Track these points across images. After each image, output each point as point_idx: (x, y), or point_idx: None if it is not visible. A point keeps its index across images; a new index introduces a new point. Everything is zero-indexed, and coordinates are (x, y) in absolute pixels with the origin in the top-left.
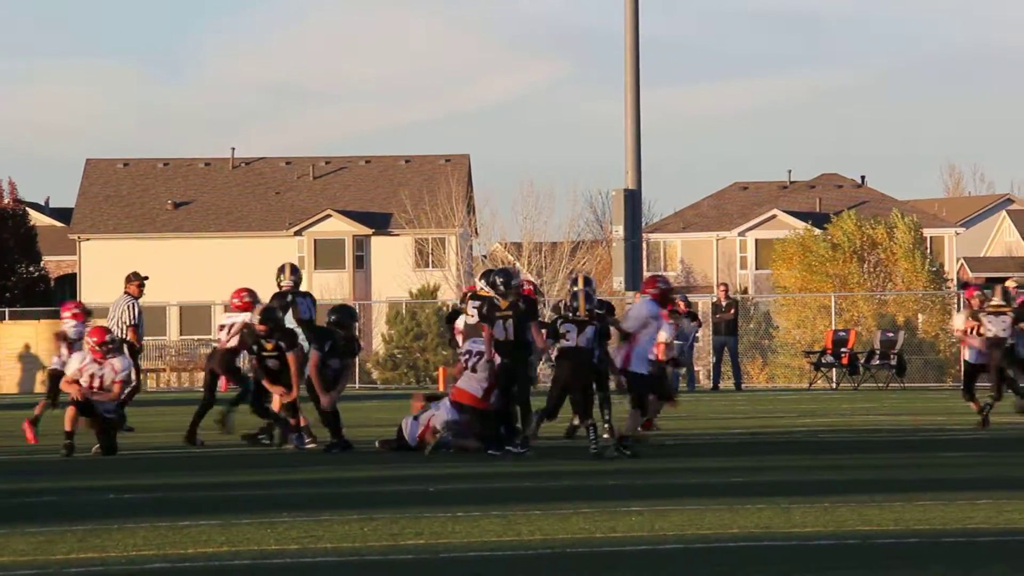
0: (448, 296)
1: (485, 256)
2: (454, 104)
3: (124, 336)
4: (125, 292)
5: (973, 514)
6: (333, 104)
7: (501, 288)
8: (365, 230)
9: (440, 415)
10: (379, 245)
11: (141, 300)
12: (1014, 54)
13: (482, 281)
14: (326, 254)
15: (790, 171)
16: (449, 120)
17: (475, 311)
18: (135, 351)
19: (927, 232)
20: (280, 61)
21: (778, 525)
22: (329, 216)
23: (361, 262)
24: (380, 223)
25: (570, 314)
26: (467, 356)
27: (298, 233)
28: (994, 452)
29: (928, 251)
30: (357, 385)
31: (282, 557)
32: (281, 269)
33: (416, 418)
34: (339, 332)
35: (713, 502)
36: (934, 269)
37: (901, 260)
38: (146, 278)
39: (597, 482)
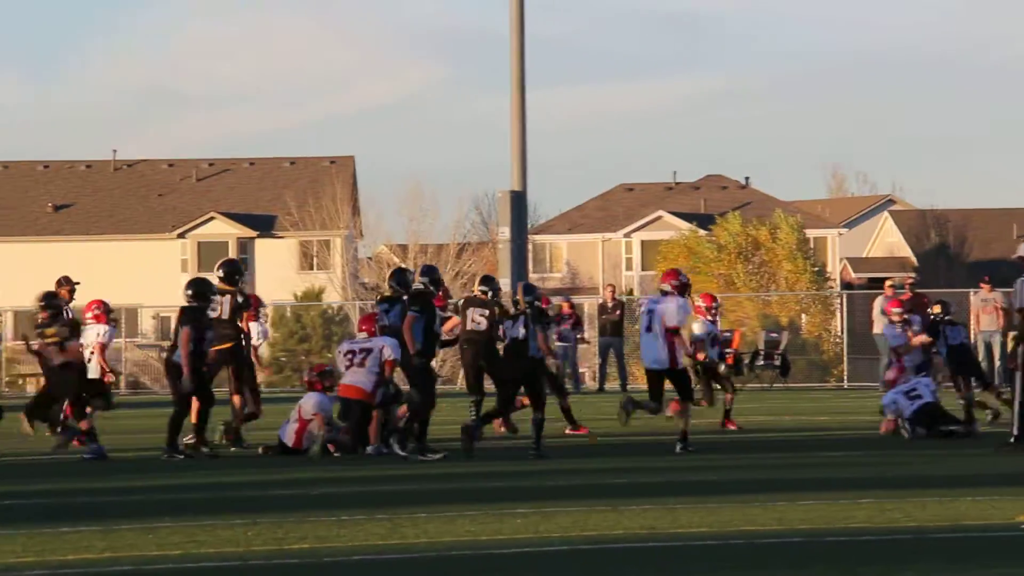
0: (333, 298)
1: (370, 258)
2: (339, 106)
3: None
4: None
5: (855, 513)
6: (216, 106)
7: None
8: (249, 232)
9: (308, 408)
10: (263, 247)
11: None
12: (896, 57)
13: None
14: (210, 257)
15: (675, 172)
16: (334, 122)
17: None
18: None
19: (810, 233)
20: (163, 63)
21: (663, 526)
22: (213, 218)
23: (245, 264)
24: (264, 225)
25: (511, 310)
26: (351, 355)
27: (181, 236)
28: (875, 451)
29: (811, 252)
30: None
31: (164, 563)
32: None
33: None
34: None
35: (598, 503)
36: (817, 269)
37: (785, 261)
38: (77, 283)
39: (483, 484)
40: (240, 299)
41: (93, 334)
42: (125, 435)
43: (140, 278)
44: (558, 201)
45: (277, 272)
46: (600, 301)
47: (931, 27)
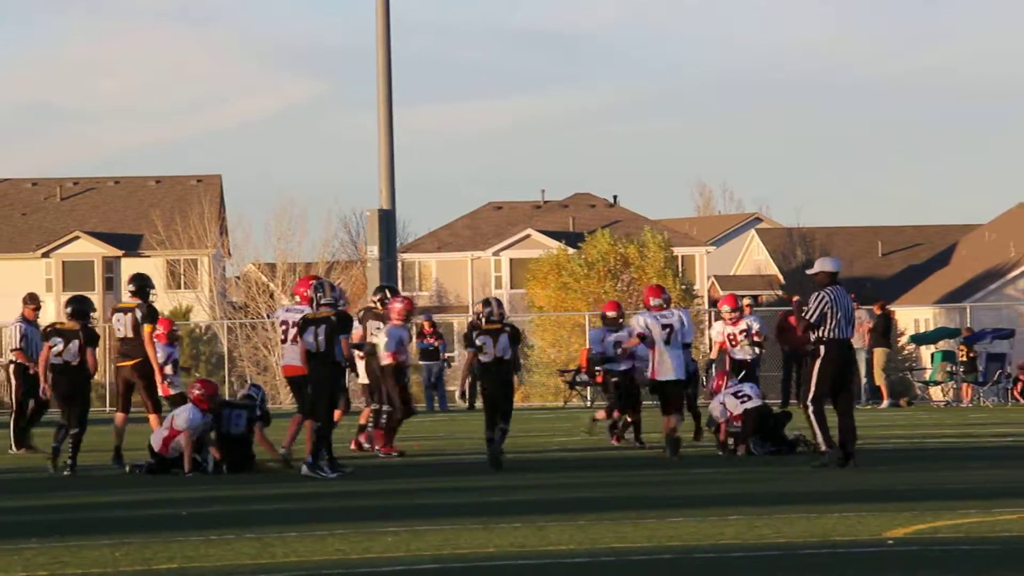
0: (201, 317)
1: (238, 277)
2: (206, 124)
3: (11, 360)
4: (21, 314)
5: (724, 530)
6: (81, 125)
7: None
8: (115, 251)
9: (178, 422)
10: (130, 267)
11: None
12: (762, 76)
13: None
14: (75, 276)
15: (543, 191)
16: (200, 140)
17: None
18: (25, 373)
19: (678, 251)
20: (25, 81)
21: (533, 543)
22: (78, 238)
23: (111, 283)
24: (130, 244)
25: (482, 323)
26: (285, 327)
27: (46, 255)
28: (743, 468)
29: (679, 269)
30: (107, 408)
31: None
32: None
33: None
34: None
35: (469, 521)
36: (684, 287)
37: (653, 279)
38: (42, 302)
39: (354, 503)
40: (140, 314)
41: None
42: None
43: (3, 297)
44: (427, 220)
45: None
46: (470, 319)
47: (796, 46)
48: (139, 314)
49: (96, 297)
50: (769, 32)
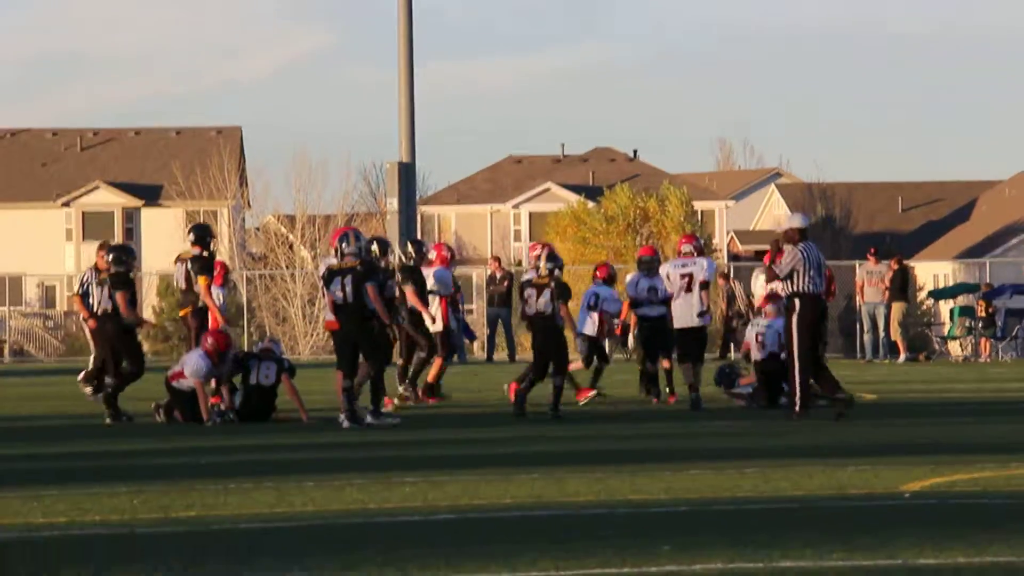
0: None
1: (258, 229)
2: (226, 76)
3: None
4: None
5: (741, 482)
6: (102, 76)
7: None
8: (135, 202)
9: (187, 370)
10: (149, 217)
11: None
12: (786, 31)
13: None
14: (95, 226)
15: (563, 145)
16: (221, 92)
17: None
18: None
19: (698, 205)
20: (47, 32)
21: (551, 494)
22: (98, 188)
23: (131, 234)
24: (150, 195)
25: (532, 278)
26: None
27: (66, 205)
28: (761, 421)
29: (699, 224)
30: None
31: (50, 531)
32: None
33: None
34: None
35: (488, 472)
36: (704, 241)
37: (673, 233)
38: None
39: (372, 453)
40: (196, 265)
41: None
42: (10, 403)
43: (25, 247)
44: (447, 172)
45: (163, 242)
46: (488, 272)
47: (822, 1)
48: (192, 266)
49: None
50: None
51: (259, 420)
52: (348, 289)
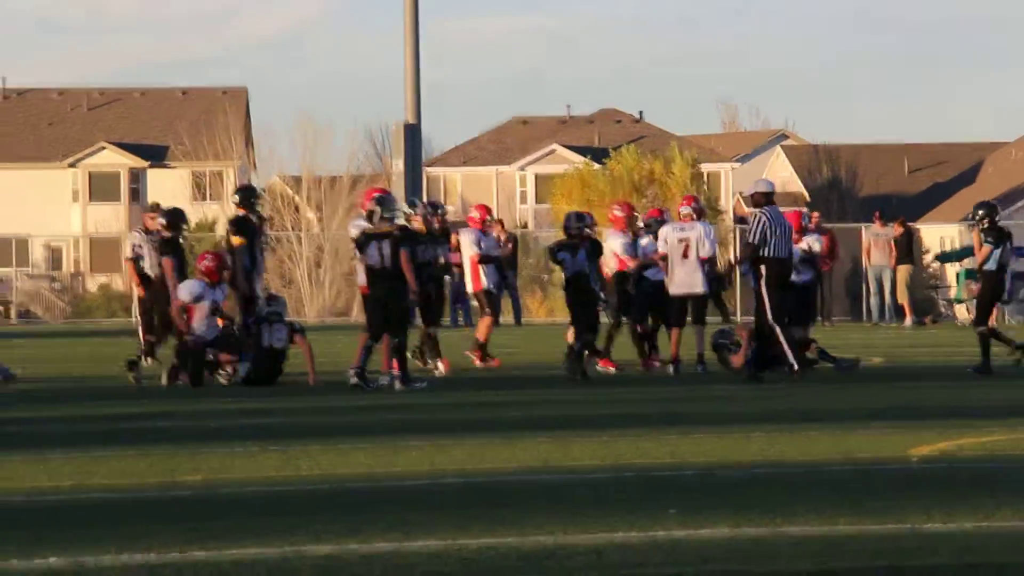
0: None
1: (263, 190)
2: (232, 36)
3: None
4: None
5: (747, 447)
6: (107, 36)
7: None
8: (141, 162)
9: (182, 294)
10: (155, 178)
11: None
12: None
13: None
14: (101, 186)
15: (569, 106)
16: (226, 52)
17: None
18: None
19: (704, 167)
20: None
21: (557, 459)
22: (103, 148)
23: (136, 195)
24: (156, 155)
25: (566, 239)
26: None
27: (72, 165)
28: (766, 386)
29: (705, 185)
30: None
31: (56, 494)
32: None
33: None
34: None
35: (493, 437)
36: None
37: (678, 195)
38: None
39: (378, 417)
40: (231, 227)
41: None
42: (16, 365)
43: (30, 208)
44: (452, 134)
45: (169, 202)
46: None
47: None
48: (229, 228)
49: (122, 208)
50: None
51: (268, 383)
52: (386, 252)
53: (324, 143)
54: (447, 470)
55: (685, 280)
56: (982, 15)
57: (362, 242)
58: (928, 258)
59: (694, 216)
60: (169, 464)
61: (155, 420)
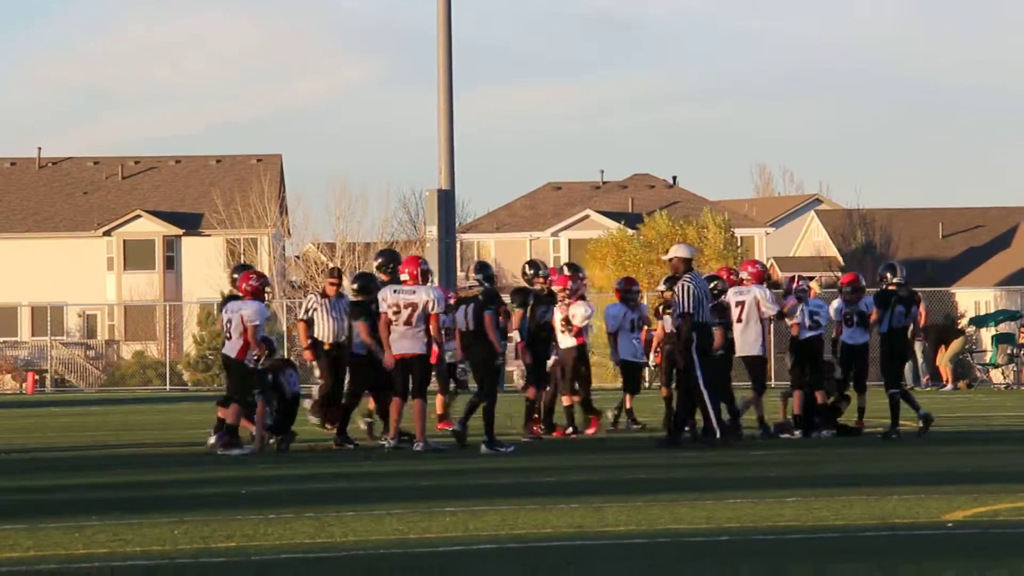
0: None
1: (298, 257)
2: (266, 104)
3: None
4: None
5: (783, 511)
6: (143, 105)
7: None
8: (175, 230)
9: (248, 315)
10: (190, 245)
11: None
12: (823, 58)
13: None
14: (136, 255)
15: (602, 171)
16: (261, 120)
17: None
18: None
19: (738, 232)
20: (89, 61)
21: (591, 524)
22: (139, 216)
23: (172, 263)
24: (191, 223)
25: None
26: (396, 310)
27: (107, 233)
28: (800, 450)
29: (740, 250)
30: (168, 387)
31: (90, 561)
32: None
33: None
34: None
35: (527, 502)
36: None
37: (713, 260)
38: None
39: (411, 483)
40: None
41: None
42: (52, 433)
43: (66, 276)
44: (486, 200)
45: (204, 270)
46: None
47: (859, 30)
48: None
49: (156, 276)
50: (833, 18)
51: (288, 428)
52: (470, 317)
53: (359, 210)
54: (481, 535)
55: (744, 343)
56: (1015, 82)
57: (455, 305)
58: (963, 322)
59: (751, 281)
60: (203, 531)
61: (190, 487)
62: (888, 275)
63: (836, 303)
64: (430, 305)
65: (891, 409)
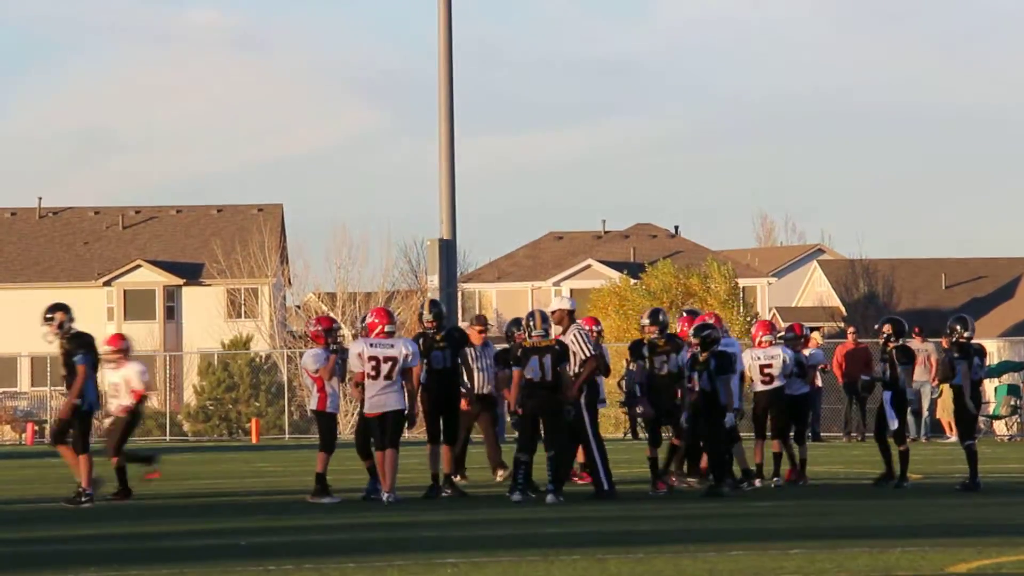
0: (261, 347)
1: (299, 306)
2: (267, 153)
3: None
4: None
5: (785, 563)
6: (143, 154)
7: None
8: (176, 280)
9: (309, 364)
10: (190, 295)
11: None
12: (825, 106)
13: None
14: (136, 304)
15: (604, 221)
16: (262, 170)
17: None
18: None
19: (740, 282)
20: (89, 110)
21: None
22: (139, 266)
23: (172, 312)
24: (191, 273)
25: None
26: (375, 363)
27: (107, 283)
28: (804, 501)
29: (744, 300)
30: (168, 437)
31: None
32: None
33: None
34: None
35: (528, 553)
36: (749, 318)
37: (717, 309)
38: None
39: (412, 534)
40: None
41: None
42: (52, 484)
43: None
44: (487, 249)
45: (204, 320)
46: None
47: (860, 76)
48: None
49: (157, 326)
50: (834, 63)
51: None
52: (547, 367)
53: (359, 259)
54: None
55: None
56: (1018, 132)
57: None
58: None
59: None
60: None
61: (190, 538)
62: (958, 327)
63: (790, 353)
64: (408, 358)
65: (969, 461)
